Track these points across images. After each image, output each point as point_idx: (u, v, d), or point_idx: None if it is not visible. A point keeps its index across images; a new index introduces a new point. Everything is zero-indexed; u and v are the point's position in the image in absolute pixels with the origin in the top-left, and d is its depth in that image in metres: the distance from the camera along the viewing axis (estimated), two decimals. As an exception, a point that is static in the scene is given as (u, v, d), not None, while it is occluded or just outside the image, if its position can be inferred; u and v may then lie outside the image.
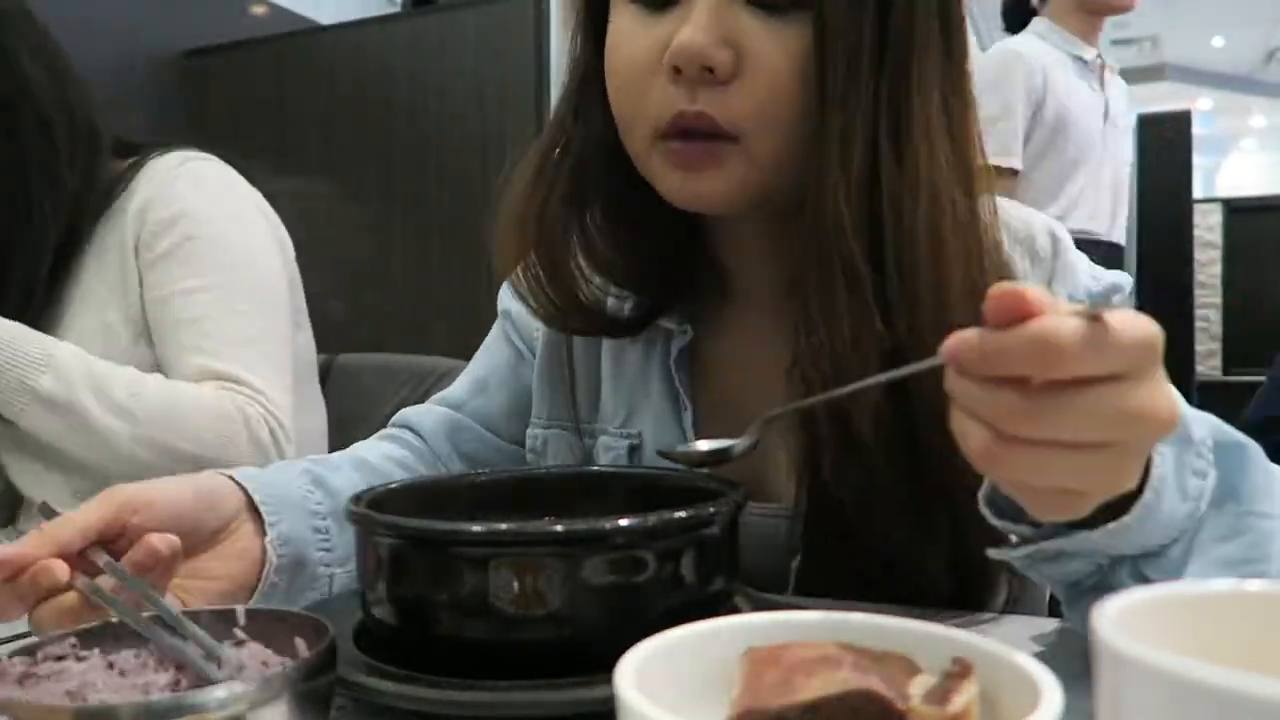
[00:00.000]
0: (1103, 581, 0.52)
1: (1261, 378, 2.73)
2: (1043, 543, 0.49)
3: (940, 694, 0.33)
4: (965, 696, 0.33)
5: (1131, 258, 2.76)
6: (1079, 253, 0.71)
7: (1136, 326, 0.39)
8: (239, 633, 0.48)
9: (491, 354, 0.85)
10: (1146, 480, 0.45)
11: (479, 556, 0.48)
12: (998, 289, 0.38)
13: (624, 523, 0.48)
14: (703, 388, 0.74)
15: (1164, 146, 2.61)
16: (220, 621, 0.48)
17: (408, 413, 0.85)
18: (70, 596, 0.52)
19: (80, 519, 0.54)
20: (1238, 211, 3.98)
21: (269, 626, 0.48)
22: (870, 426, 0.59)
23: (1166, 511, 0.47)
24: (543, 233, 0.70)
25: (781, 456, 0.67)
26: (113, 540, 0.55)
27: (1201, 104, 11.44)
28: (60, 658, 0.45)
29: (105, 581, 0.53)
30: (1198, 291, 3.21)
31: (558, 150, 0.71)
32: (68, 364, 0.95)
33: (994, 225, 0.63)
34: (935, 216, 0.59)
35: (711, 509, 0.51)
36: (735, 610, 0.54)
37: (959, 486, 0.55)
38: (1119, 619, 0.30)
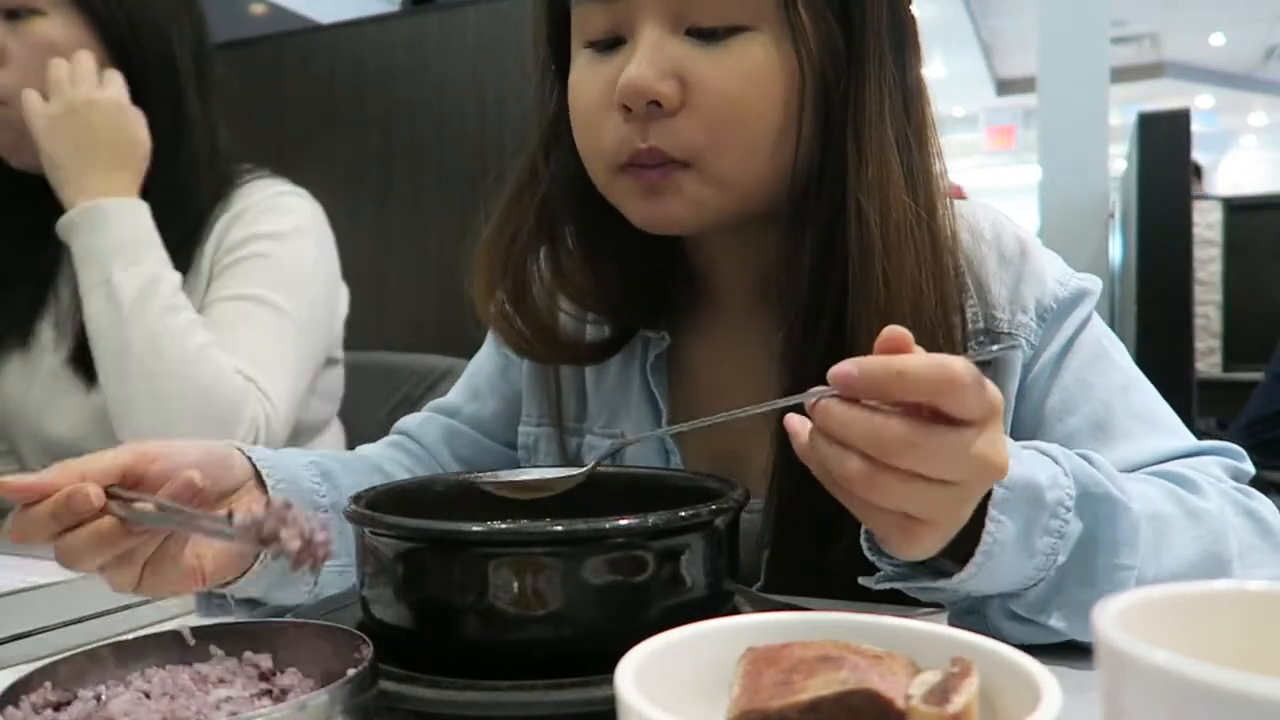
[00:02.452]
0: (974, 606, 0.57)
1: (1260, 375, 2.74)
2: (901, 584, 0.55)
3: (940, 694, 0.33)
4: (965, 696, 0.33)
5: (1132, 257, 2.76)
6: (1051, 255, 0.72)
7: (993, 386, 0.45)
8: (271, 658, 0.46)
9: (483, 361, 0.89)
10: (979, 545, 0.50)
11: (479, 556, 0.48)
12: (890, 330, 0.44)
13: (624, 523, 0.48)
14: (680, 390, 0.77)
15: (1163, 145, 2.61)
16: (262, 635, 0.47)
17: (405, 421, 0.88)
18: (106, 521, 0.52)
19: (104, 458, 0.55)
20: (1237, 209, 3.99)
21: (308, 642, 0.46)
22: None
23: (1007, 568, 0.52)
24: (510, 266, 0.74)
25: (756, 454, 0.69)
26: (131, 486, 0.55)
27: (1201, 102, 11.44)
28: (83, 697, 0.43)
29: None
30: (1197, 289, 3.21)
31: (528, 188, 0.74)
32: (156, 278, 0.99)
33: (947, 226, 0.66)
34: (887, 219, 0.62)
35: (711, 509, 0.51)
36: (735, 610, 0.54)
37: None
38: (1119, 619, 0.30)
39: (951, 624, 0.58)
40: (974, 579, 0.52)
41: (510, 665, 0.47)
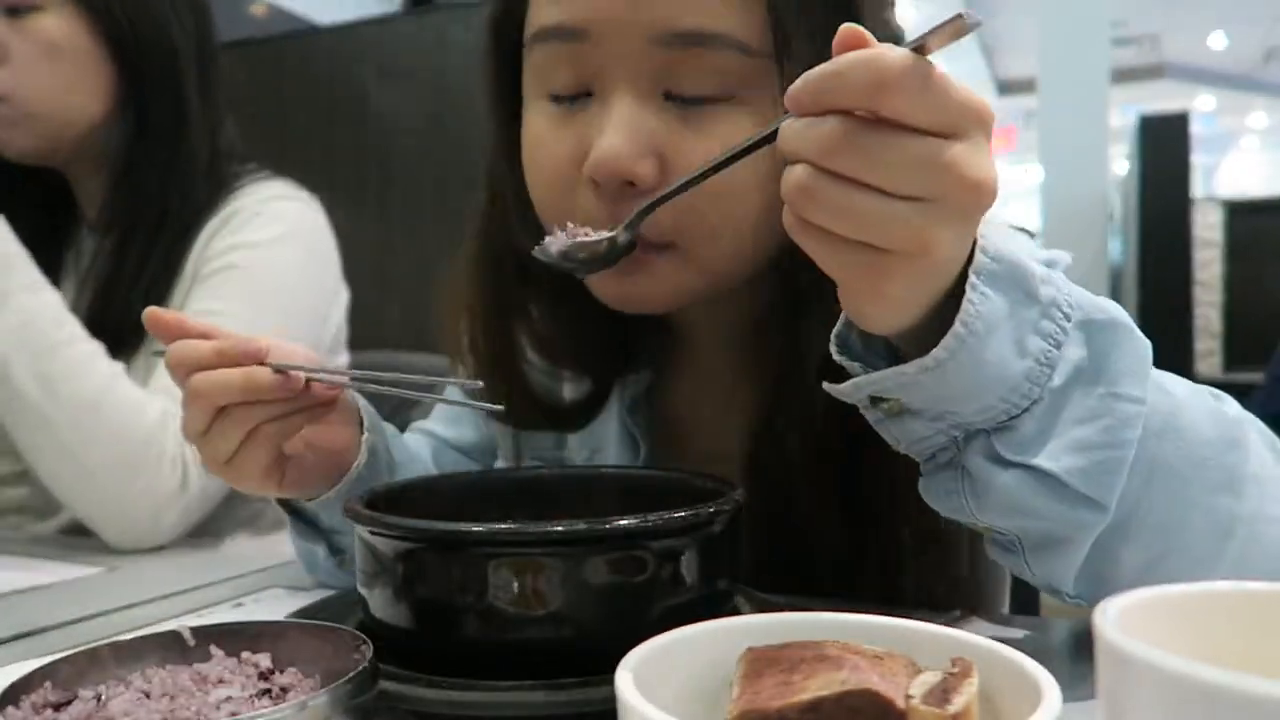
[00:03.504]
0: (958, 458, 0.48)
1: (1260, 376, 2.73)
2: (869, 375, 0.46)
3: (940, 694, 0.33)
4: (965, 696, 0.33)
5: (1132, 258, 2.76)
6: (1021, 237, 0.68)
7: (966, 90, 0.39)
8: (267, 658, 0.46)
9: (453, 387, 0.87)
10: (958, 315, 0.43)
11: (479, 556, 0.48)
12: (846, 28, 0.39)
13: (624, 523, 0.48)
14: (660, 428, 0.75)
15: (1164, 147, 2.61)
16: (259, 638, 0.47)
17: (422, 422, 0.89)
18: (262, 371, 0.56)
19: (229, 336, 0.58)
20: (1238, 211, 3.99)
21: (307, 642, 0.46)
22: (799, 440, 0.61)
23: (994, 361, 0.43)
24: (482, 330, 0.71)
25: (734, 456, 0.68)
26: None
27: (1202, 103, 11.44)
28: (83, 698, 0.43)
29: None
30: (1197, 290, 3.21)
31: (487, 238, 0.71)
32: (29, 312, 0.92)
33: None
34: None
35: (711, 509, 0.51)
36: (735, 610, 0.54)
37: (889, 502, 0.59)
38: (1119, 619, 0.30)
39: (928, 486, 0.51)
40: (954, 359, 0.43)
41: (510, 665, 0.47)
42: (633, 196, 0.56)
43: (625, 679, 0.33)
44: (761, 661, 0.37)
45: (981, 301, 0.43)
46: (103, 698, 0.42)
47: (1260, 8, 8.08)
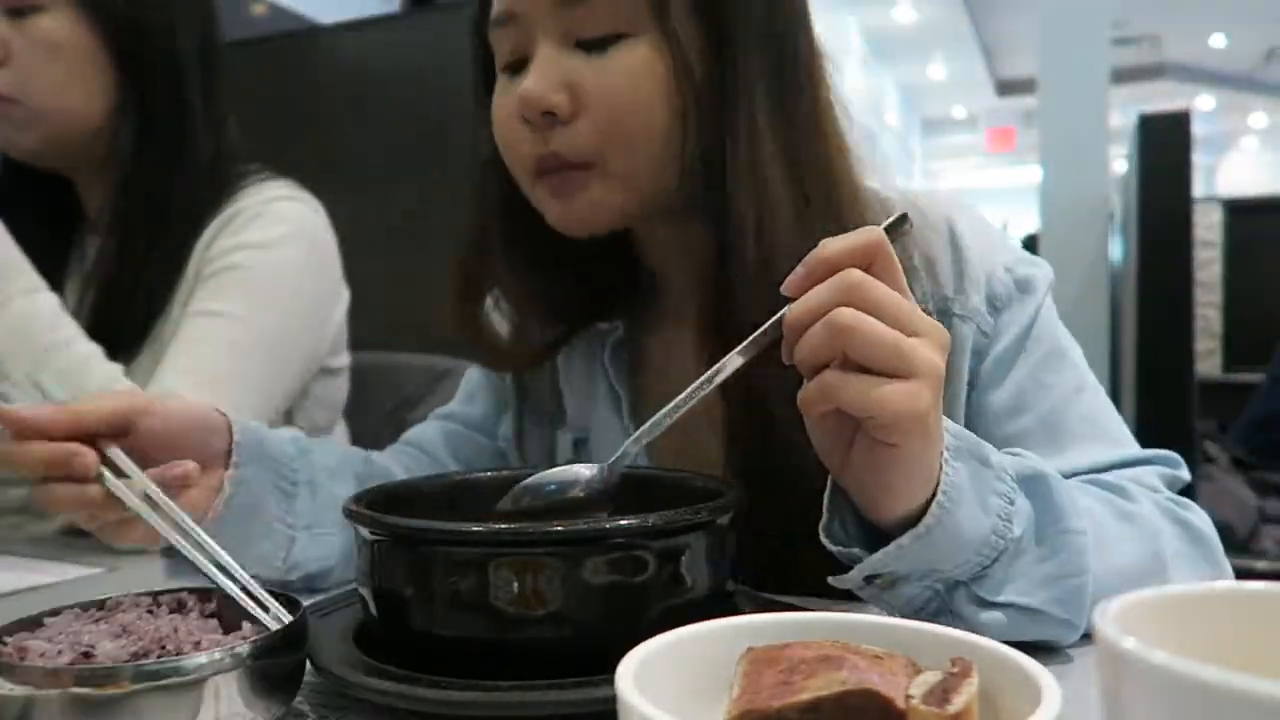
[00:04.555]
0: (943, 607, 0.56)
1: (1260, 377, 2.73)
2: (870, 559, 0.54)
3: (940, 694, 0.33)
4: (965, 696, 0.33)
5: (1132, 258, 2.76)
6: (1006, 243, 0.73)
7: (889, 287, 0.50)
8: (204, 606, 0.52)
9: (473, 369, 0.93)
10: (937, 488, 0.51)
11: (479, 556, 0.48)
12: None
13: (624, 523, 0.48)
14: (641, 378, 0.81)
15: (1164, 147, 2.61)
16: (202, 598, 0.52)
17: (410, 433, 0.92)
18: (95, 489, 0.58)
19: (100, 406, 0.60)
20: (1238, 211, 3.98)
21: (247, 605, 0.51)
22: (783, 408, 0.62)
23: (967, 521, 0.52)
24: (470, 286, 0.79)
25: (712, 440, 0.70)
26: (120, 434, 0.61)
27: (1202, 103, 11.43)
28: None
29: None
30: (1198, 291, 3.21)
31: (478, 204, 0.79)
32: (26, 315, 0.92)
33: (852, 210, 0.68)
34: (761, 203, 0.65)
35: (712, 509, 0.51)
36: (735, 610, 0.54)
37: None
38: (1119, 619, 0.30)
39: None
40: (939, 525, 0.51)
41: (510, 665, 0.47)
42: (557, 126, 0.67)
43: (625, 679, 0.33)
44: (761, 661, 0.37)
45: (953, 473, 0.52)
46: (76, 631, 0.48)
47: (1260, 8, 8.08)
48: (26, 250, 1.10)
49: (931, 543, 0.52)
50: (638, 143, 0.67)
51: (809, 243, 0.53)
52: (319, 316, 1.14)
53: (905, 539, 0.52)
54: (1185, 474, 0.69)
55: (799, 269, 0.51)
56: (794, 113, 0.68)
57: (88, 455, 0.57)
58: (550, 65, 0.67)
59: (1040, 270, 0.71)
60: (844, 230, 0.54)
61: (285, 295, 1.09)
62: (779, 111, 0.68)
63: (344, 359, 1.23)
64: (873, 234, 0.50)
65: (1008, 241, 0.74)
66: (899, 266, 0.51)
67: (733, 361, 0.53)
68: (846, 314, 0.48)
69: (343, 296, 1.21)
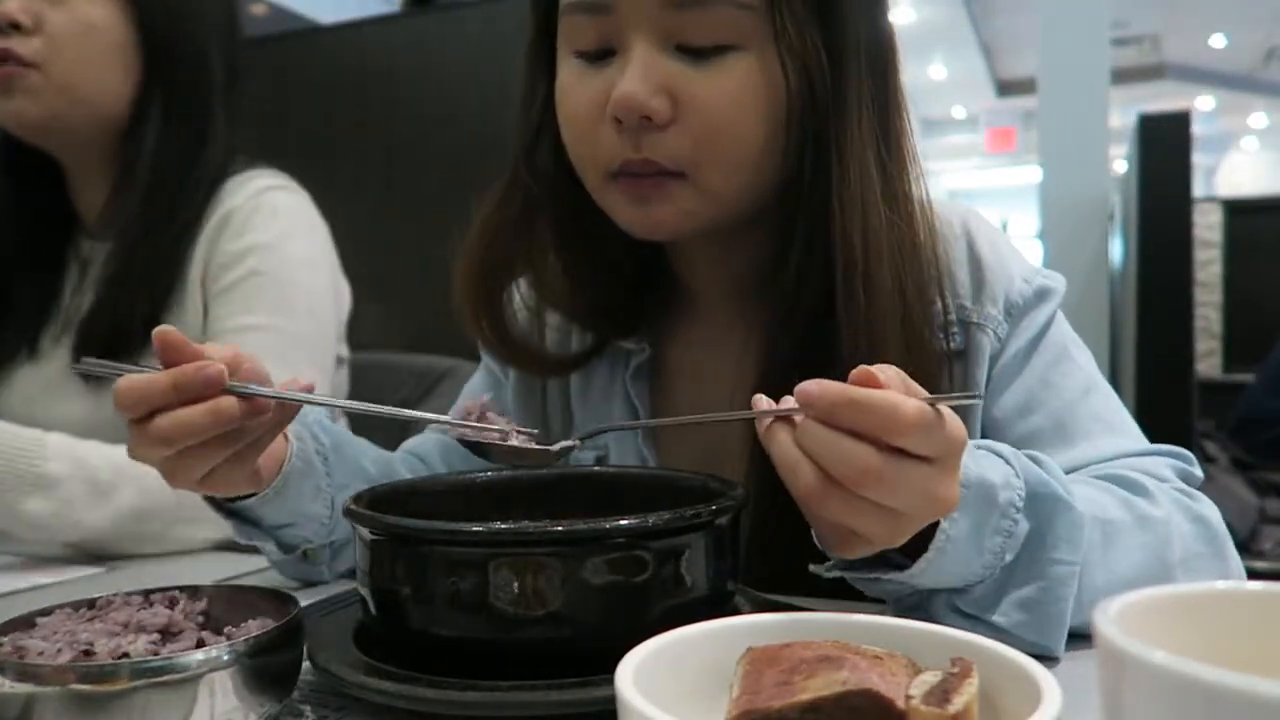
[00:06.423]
0: (922, 603, 0.57)
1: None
2: (849, 574, 0.56)
3: (940, 694, 0.33)
4: (965, 696, 0.33)
5: (1132, 258, 2.76)
6: (1020, 253, 0.74)
7: (957, 423, 0.47)
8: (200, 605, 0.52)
9: (475, 383, 0.91)
10: (932, 540, 0.51)
11: (479, 556, 0.48)
12: (859, 370, 0.47)
13: (624, 523, 0.48)
14: (663, 398, 0.79)
15: (1164, 147, 2.61)
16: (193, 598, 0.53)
17: (409, 443, 0.90)
18: (228, 400, 0.54)
19: (214, 349, 0.57)
20: (1238, 211, 3.98)
21: (247, 601, 0.52)
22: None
23: (957, 564, 0.53)
24: (492, 282, 0.76)
25: (735, 446, 0.70)
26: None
27: (1202, 103, 11.43)
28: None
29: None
30: (1198, 291, 3.21)
31: (510, 191, 0.75)
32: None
33: (923, 229, 0.68)
34: (867, 228, 0.64)
35: (712, 509, 0.51)
36: (735, 610, 0.54)
37: None
38: (1119, 619, 0.30)
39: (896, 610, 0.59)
40: (924, 574, 0.53)
41: (510, 665, 0.47)
42: (651, 131, 0.64)
43: (625, 679, 0.33)
44: (761, 661, 0.37)
45: (951, 526, 0.51)
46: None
47: (1260, 8, 8.08)
48: (24, 252, 1.09)
49: (915, 580, 0.54)
50: (732, 156, 0.66)
51: (906, 275, 0.57)
52: (331, 301, 1.15)
53: (887, 576, 0.54)
54: (1198, 471, 0.69)
55: (828, 393, 0.47)
56: (888, 136, 0.68)
57: (215, 364, 0.54)
58: (651, 67, 0.64)
59: (1055, 282, 0.72)
60: (917, 262, 0.60)
61: (309, 295, 1.10)
62: (882, 135, 0.67)
63: (346, 349, 1.23)
64: (904, 413, 0.46)
65: (1020, 253, 0.74)
66: (921, 435, 0.47)
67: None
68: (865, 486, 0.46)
69: (345, 286, 1.21)
